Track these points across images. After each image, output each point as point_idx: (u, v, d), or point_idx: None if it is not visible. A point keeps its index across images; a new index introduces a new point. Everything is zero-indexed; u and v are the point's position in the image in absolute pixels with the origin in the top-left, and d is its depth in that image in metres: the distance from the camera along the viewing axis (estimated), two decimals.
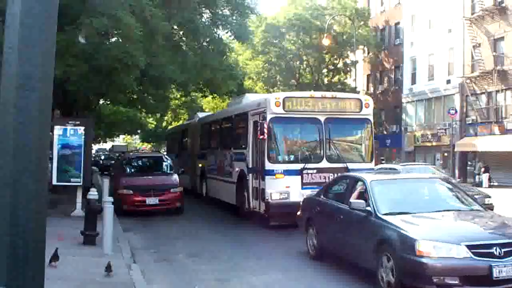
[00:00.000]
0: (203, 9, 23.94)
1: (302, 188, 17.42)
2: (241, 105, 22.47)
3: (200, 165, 27.66)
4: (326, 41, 45.31)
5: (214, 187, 24.93)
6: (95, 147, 76.20)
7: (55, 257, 10.56)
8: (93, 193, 14.32)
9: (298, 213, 14.38)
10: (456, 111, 45.23)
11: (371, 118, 19.30)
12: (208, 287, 10.87)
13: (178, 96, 39.77)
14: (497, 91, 43.25)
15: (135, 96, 30.44)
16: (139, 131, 75.32)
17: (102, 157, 64.01)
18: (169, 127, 72.32)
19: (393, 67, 58.22)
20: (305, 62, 58.81)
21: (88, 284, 9.39)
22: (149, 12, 18.63)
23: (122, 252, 13.31)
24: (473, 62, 45.65)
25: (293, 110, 18.15)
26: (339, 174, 15.49)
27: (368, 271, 10.60)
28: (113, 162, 45.52)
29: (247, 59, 57.68)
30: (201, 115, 32.15)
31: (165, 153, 40.02)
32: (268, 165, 17.68)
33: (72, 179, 19.00)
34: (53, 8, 3.12)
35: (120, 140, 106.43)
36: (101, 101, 38.18)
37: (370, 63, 60.96)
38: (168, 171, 24.30)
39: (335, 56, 57.96)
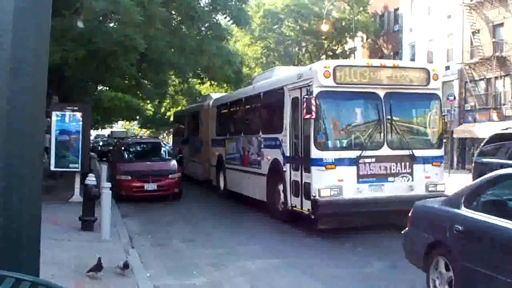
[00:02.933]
0: None
1: (358, 182, 14.08)
2: (273, 79, 18.65)
3: (216, 153, 23.94)
4: (325, 27, 45.26)
5: (235, 180, 21.28)
6: (93, 133, 76.13)
7: (98, 267, 9.33)
8: (91, 179, 14.33)
9: (406, 228, 9.13)
10: (454, 98, 45.09)
11: (439, 93, 15.77)
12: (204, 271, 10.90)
13: (176, 82, 39.57)
14: (496, 78, 43.21)
15: (133, 82, 30.39)
16: (137, 117, 75.18)
17: (101, 143, 63.94)
18: (172, 111, 72.12)
19: (392, 54, 58.00)
20: (303, 48, 58.72)
21: (84, 269, 9.41)
22: None
23: (120, 237, 13.35)
24: (472, 48, 45.54)
25: (345, 82, 14.35)
26: (494, 172, 8.17)
27: None
28: (111, 148, 45.52)
29: (246, 45, 57.58)
30: (215, 95, 28.32)
31: (170, 139, 39.48)
32: (316, 153, 14.04)
33: (70, 165, 19.03)
34: None
35: (119, 126, 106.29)
36: (99, 87, 38.10)
37: (369, 50, 60.78)
38: (166, 157, 24.34)
39: (334, 42, 57.89)
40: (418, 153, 14.62)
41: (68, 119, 18.98)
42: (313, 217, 14.12)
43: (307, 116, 13.90)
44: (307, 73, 15.06)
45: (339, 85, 14.25)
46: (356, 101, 14.87)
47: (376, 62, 15.60)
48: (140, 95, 38.18)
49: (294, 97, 15.58)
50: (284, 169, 15.97)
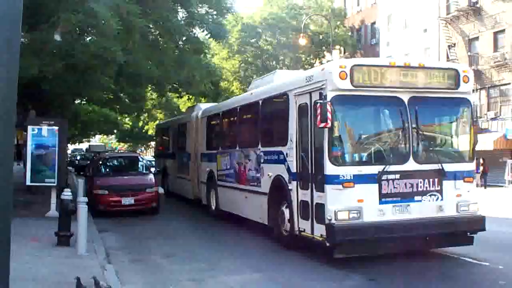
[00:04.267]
0: (179, 7, 23.86)
1: (380, 203, 12.00)
2: (274, 84, 16.42)
3: (206, 169, 21.61)
4: (302, 41, 45.33)
5: (229, 199, 19.12)
6: (71, 147, 75.71)
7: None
8: (67, 194, 14.20)
9: None
10: None
11: (471, 98, 13.86)
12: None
13: (154, 96, 39.50)
14: (472, 91, 43.52)
15: (111, 96, 30.26)
16: (115, 131, 74.95)
17: (78, 157, 63.58)
18: (150, 125, 71.54)
19: None
20: (281, 62, 58.91)
21: (61, 285, 9.31)
22: (125, 9, 18.52)
23: (96, 252, 13.20)
24: (448, 62, 45.94)
25: (364, 85, 12.25)
26: None
27: None
28: (89, 162, 45.29)
29: (223, 58, 57.62)
30: (204, 106, 25.38)
31: (148, 153, 38.79)
32: (331, 169, 11.89)
33: (46, 180, 18.84)
34: (17, 6, 3.09)
35: (97, 140, 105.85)
36: (77, 101, 37.93)
37: None
38: (144, 171, 24.23)
39: (312, 56, 58.12)
40: (448, 167, 12.62)
41: (44, 134, 18.84)
42: (328, 244, 11.89)
43: (322, 125, 11.71)
44: (319, 74, 12.73)
45: (357, 88, 12.15)
46: (377, 107, 13.07)
47: (400, 61, 13.12)
48: (118, 108, 38.04)
49: (302, 103, 13.40)
50: (289, 188, 13.79)
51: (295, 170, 13.53)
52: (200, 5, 23.66)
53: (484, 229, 12.56)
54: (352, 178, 11.81)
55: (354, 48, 58.69)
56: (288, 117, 14.00)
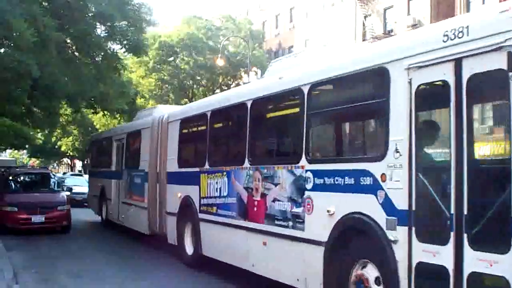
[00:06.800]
0: (97, 24, 23.66)
1: None
2: (348, 56, 9.76)
3: (179, 194, 15.13)
4: (220, 62, 45.56)
5: (225, 242, 12.60)
6: None
7: None
8: None
9: None
10: None
11: None
12: None
13: (68, 112, 38.71)
14: None
15: (23, 109, 29.57)
16: (26, 146, 73.07)
17: None
18: (63, 141, 69.83)
19: None
20: (198, 82, 58.97)
21: None
22: (42, 22, 18.20)
23: (4, 272, 12.83)
24: None
25: None
26: None
27: None
28: None
29: (140, 76, 57.20)
30: (168, 108, 19.67)
31: (60, 170, 36.57)
32: None
33: None
34: None
35: (7, 155, 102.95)
36: None
37: None
38: (56, 189, 23.71)
39: (229, 77, 58.41)
40: None
41: None
42: None
43: None
44: (495, 21, 6.52)
45: None
46: None
47: None
48: (30, 123, 37.10)
49: (428, 83, 7.40)
50: (388, 238, 7.57)
51: (405, 207, 7.43)
52: (119, 21, 23.55)
53: None
54: None
55: None
56: (388, 110, 7.81)
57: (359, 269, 8.32)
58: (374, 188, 7.95)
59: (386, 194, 7.75)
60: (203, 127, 14.48)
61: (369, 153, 9.37)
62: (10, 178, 24.66)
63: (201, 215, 13.78)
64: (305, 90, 9.69)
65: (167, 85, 58.97)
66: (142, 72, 56.87)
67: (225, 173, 12.61)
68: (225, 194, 12.55)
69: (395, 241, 7.52)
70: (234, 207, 12.02)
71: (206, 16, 59.23)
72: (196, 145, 15.56)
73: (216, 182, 13.06)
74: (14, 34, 17.60)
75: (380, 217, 7.80)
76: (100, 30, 24.14)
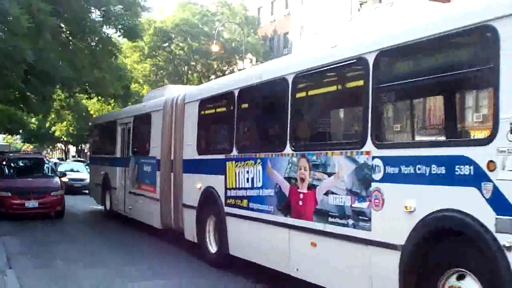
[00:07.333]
0: (93, 8, 23.54)
1: None
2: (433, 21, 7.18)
3: (198, 186, 13.24)
4: (215, 48, 45.41)
5: (259, 242, 10.83)
6: None
7: None
8: None
9: None
10: None
11: None
12: None
13: (62, 97, 38.50)
14: None
15: (17, 94, 29.43)
16: (20, 131, 72.83)
17: None
18: (57, 126, 69.58)
19: None
20: (193, 68, 58.82)
21: None
22: (36, 5, 18.09)
23: None
24: None
25: None
26: None
27: None
28: None
29: (135, 62, 57.01)
30: (180, 88, 17.44)
31: (54, 155, 36.36)
32: None
33: None
34: None
35: (1, 140, 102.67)
36: None
37: None
38: (49, 174, 23.68)
39: (223, 63, 58.26)
40: None
41: None
42: None
43: None
44: None
45: None
46: None
47: None
48: (24, 108, 36.96)
49: None
50: (506, 244, 5.81)
51: None
52: (115, 5, 23.40)
53: None
54: None
55: (266, 57, 59.16)
56: (497, 79, 6.02)
57: (451, 281, 6.64)
58: (476, 179, 6.17)
59: (495, 186, 5.97)
60: (230, 108, 12.42)
61: (467, 134, 7.81)
62: (4, 163, 24.60)
63: (227, 209, 11.91)
64: (371, 58, 7.84)
65: (161, 71, 58.85)
66: (136, 58, 56.70)
67: (258, 160, 10.76)
68: (259, 185, 10.70)
69: (509, 248, 5.78)
70: (272, 200, 10.18)
71: (201, 2, 59.06)
72: (221, 129, 13.78)
73: (247, 171, 11.15)
74: (9, 18, 17.50)
75: (486, 216, 6.02)
76: (95, 14, 24.00)
